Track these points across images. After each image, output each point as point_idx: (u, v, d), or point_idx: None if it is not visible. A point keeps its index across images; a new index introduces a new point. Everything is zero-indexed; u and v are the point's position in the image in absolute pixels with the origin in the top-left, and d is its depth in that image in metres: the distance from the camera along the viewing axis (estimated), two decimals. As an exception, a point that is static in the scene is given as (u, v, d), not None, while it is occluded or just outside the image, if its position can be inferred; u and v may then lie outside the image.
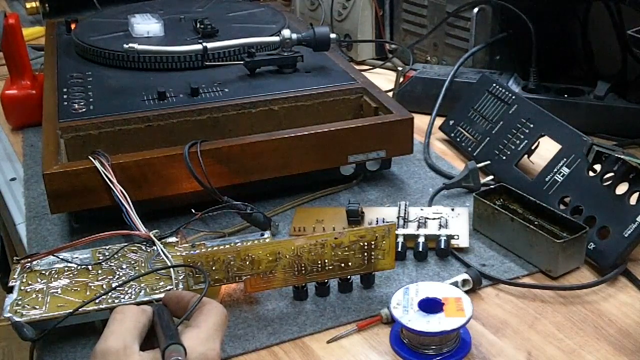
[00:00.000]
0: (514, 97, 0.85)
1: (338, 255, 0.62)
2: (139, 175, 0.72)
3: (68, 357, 0.60)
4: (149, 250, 0.67)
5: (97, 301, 0.59)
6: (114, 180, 0.70)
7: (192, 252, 0.65)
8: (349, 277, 0.65)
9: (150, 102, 0.83)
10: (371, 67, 1.23)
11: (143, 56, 0.90)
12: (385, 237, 0.62)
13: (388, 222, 0.72)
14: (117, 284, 0.62)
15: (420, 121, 0.94)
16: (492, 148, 0.84)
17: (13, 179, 0.91)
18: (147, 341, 0.50)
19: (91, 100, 0.84)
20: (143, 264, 0.65)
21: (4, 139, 1.01)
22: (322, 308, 0.64)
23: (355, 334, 0.61)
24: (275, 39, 0.91)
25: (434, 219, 0.73)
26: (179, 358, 0.46)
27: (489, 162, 0.83)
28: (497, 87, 0.87)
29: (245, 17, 1.07)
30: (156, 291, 0.61)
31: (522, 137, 0.81)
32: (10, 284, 0.62)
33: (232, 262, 0.61)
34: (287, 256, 0.61)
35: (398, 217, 0.73)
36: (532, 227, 0.67)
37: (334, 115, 0.85)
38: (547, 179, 0.75)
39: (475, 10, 1.04)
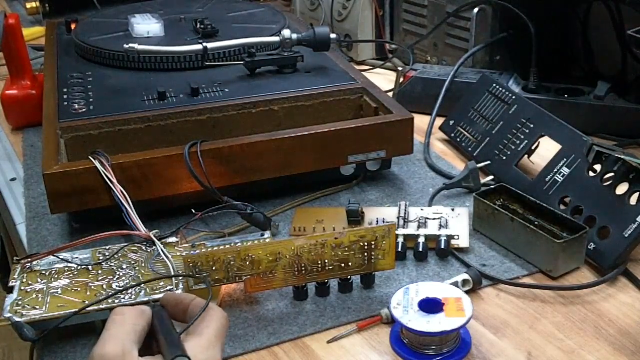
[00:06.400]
0: (514, 97, 0.85)
1: (338, 255, 0.62)
2: (139, 175, 0.72)
3: (68, 357, 0.60)
4: (149, 250, 0.67)
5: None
6: (114, 180, 0.70)
7: (192, 252, 0.65)
8: (349, 277, 0.65)
9: (150, 102, 0.83)
10: (371, 67, 1.23)
11: (143, 56, 0.90)
12: (385, 237, 0.62)
13: (388, 222, 0.72)
14: (117, 284, 0.62)
15: (420, 121, 0.94)
16: (492, 148, 0.84)
17: (13, 179, 0.91)
18: (144, 342, 0.50)
19: (91, 100, 0.84)
20: (143, 264, 0.65)
21: (4, 139, 1.01)
22: (322, 308, 0.64)
23: (355, 334, 0.61)
24: (275, 39, 0.91)
25: (434, 219, 0.73)
26: None
27: (489, 162, 0.83)
28: (497, 87, 0.87)
29: (245, 17, 1.07)
30: (156, 291, 0.61)
31: (522, 137, 0.81)
32: (10, 284, 0.62)
33: (232, 262, 0.61)
34: (287, 256, 0.61)
35: (398, 217, 0.73)
36: (532, 227, 0.67)
37: (334, 115, 0.85)
38: (547, 179, 0.75)
39: (475, 10, 1.04)
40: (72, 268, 0.64)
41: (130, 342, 0.47)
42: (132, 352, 0.47)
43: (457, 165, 0.88)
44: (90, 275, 0.63)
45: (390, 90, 1.05)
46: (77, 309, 0.58)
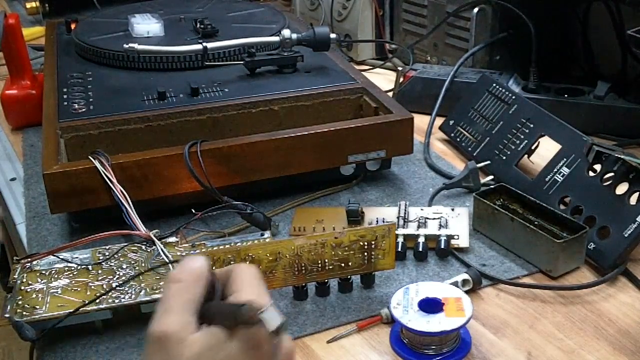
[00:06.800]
0: (514, 97, 0.85)
1: (338, 255, 0.62)
2: (139, 175, 0.72)
3: (68, 357, 0.60)
4: (149, 250, 0.67)
5: (97, 301, 0.59)
6: (114, 180, 0.70)
7: (192, 252, 0.65)
8: (349, 277, 0.65)
9: (150, 102, 0.83)
10: (371, 67, 1.23)
11: (143, 56, 0.90)
12: (385, 237, 0.62)
13: (388, 222, 0.72)
14: (117, 283, 0.62)
15: (420, 121, 0.94)
16: (492, 148, 0.84)
17: (13, 179, 0.91)
18: None
19: (91, 100, 0.84)
20: (143, 264, 0.65)
21: (4, 139, 1.01)
22: (322, 308, 0.64)
23: (355, 334, 0.61)
24: (275, 39, 0.91)
25: (434, 219, 0.73)
26: (262, 310, 0.40)
27: (489, 162, 0.83)
28: (497, 87, 0.87)
29: (245, 17, 1.07)
30: (156, 291, 0.61)
31: (522, 137, 0.81)
32: (10, 284, 0.62)
33: (232, 262, 0.61)
34: (287, 256, 0.61)
35: (398, 217, 0.73)
36: (532, 227, 0.67)
37: (334, 115, 0.85)
38: (547, 179, 0.75)
39: (475, 10, 1.04)
40: (72, 268, 0.64)
41: (190, 314, 0.41)
42: (191, 324, 0.41)
43: (457, 165, 0.88)
44: (90, 275, 0.63)
45: (390, 90, 1.05)
46: (74, 309, 0.58)
